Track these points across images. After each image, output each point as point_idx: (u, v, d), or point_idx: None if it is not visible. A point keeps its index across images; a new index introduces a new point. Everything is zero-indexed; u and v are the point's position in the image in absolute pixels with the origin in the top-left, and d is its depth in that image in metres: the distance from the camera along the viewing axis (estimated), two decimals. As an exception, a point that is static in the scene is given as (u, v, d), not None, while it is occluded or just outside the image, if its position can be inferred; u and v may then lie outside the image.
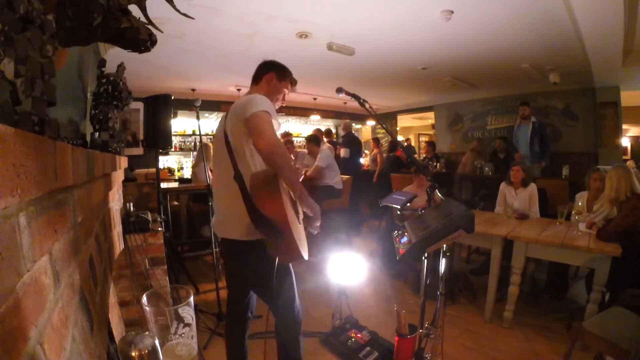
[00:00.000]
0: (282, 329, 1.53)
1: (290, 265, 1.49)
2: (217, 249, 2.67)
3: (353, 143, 5.89)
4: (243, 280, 1.53)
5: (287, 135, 5.59)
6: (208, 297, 2.89)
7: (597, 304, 2.10)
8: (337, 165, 4.33)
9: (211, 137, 5.82)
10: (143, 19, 0.77)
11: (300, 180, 1.38)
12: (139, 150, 3.97)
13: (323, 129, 6.88)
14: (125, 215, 1.94)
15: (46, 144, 0.42)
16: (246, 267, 1.44)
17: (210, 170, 4.33)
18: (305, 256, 1.26)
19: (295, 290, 1.51)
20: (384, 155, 6.47)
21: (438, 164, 6.38)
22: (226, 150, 1.36)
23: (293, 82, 1.63)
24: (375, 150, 6.70)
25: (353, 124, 6.69)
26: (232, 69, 4.59)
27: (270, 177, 1.21)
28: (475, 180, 5.65)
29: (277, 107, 1.54)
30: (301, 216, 1.45)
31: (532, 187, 3.14)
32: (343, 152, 5.75)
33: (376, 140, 7.12)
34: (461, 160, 6.14)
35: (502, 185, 3.31)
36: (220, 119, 1.56)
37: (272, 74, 1.55)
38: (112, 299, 1.28)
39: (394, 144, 6.37)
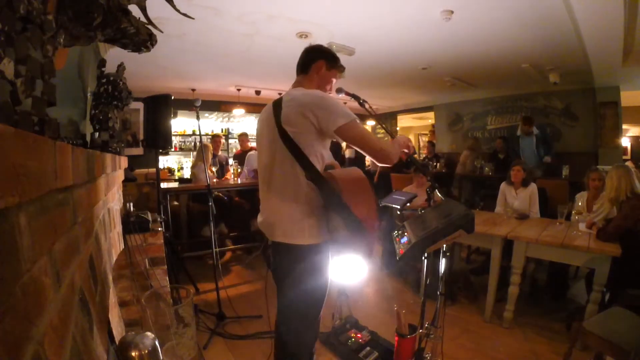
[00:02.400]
0: (288, 327, 1.47)
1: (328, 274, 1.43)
2: (217, 249, 2.67)
3: None
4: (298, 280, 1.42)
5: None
6: (208, 297, 2.89)
7: (597, 304, 2.10)
8: (342, 165, 4.32)
9: (210, 137, 5.81)
10: (143, 19, 0.77)
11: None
12: (139, 150, 3.97)
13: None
14: (125, 215, 1.94)
15: (46, 144, 0.42)
16: (298, 267, 1.35)
17: (211, 171, 4.36)
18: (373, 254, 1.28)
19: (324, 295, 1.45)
20: None
21: (438, 164, 6.39)
22: (285, 148, 1.26)
23: (341, 69, 1.50)
24: None
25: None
26: (232, 69, 4.59)
27: (363, 178, 1.25)
28: (475, 180, 5.65)
29: None
30: None
31: (533, 187, 3.14)
32: (349, 152, 5.73)
33: None
34: (459, 160, 6.15)
35: (503, 185, 3.31)
36: (261, 114, 1.45)
37: (321, 62, 1.42)
38: (112, 299, 1.28)
39: None
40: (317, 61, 1.42)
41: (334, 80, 1.49)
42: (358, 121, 1.26)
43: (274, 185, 1.35)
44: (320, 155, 1.32)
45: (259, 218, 1.45)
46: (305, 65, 1.45)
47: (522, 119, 5.13)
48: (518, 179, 3.14)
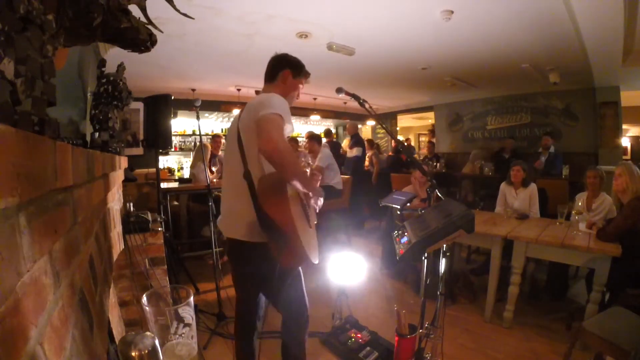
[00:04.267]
0: (285, 329, 1.53)
1: (300, 268, 1.47)
2: (217, 249, 2.67)
3: (361, 143, 5.91)
4: (248, 280, 1.49)
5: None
6: (208, 297, 2.89)
7: (597, 304, 2.10)
8: (338, 164, 4.33)
9: (210, 137, 5.82)
10: (143, 19, 0.77)
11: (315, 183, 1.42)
12: (139, 150, 3.96)
13: (322, 129, 6.84)
14: (125, 215, 1.94)
15: (46, 144, 0.42)
16: (250, 268, 1.41)
17: (210, 171, 4.36)
18: (314, 261, 1.26)
19: (303, 293, 1.50)
20: (380, 156, 6.47)
21: (438, 164, 6.39)
22: (237, 148, 1.34)
23: (306, 76, 1.57)
24: (369, 152, 6.65)
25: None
26: (232, 69, 4.59)
27: (278, 181, 1.21)
28: (476, 180, 5.65)
29: (292, 103, 1.49)
30: (313, 220, 1.44)
31: (532, 187, 3.14)
32: (355, 151, 5.74)
33: (370, 142, 7.02)
34: (465, 166, 6.20)
35: (503, 185, 3.32)
36: (233, 118, 1.52)
37: (287, 72, 1.49)
38: (112, 299, 1.28)
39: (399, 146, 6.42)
40: (284, 70, 1.50)
41: (301, 87, 1.57)
42: (284, 120, 1.24)
43: (230, 184, 1.44)
44: None
45: (219, 217, 1.51)
46: (272, 74, 1.53)
47: (544, 134, 5.37)
48: (518, 179, 3.14)
